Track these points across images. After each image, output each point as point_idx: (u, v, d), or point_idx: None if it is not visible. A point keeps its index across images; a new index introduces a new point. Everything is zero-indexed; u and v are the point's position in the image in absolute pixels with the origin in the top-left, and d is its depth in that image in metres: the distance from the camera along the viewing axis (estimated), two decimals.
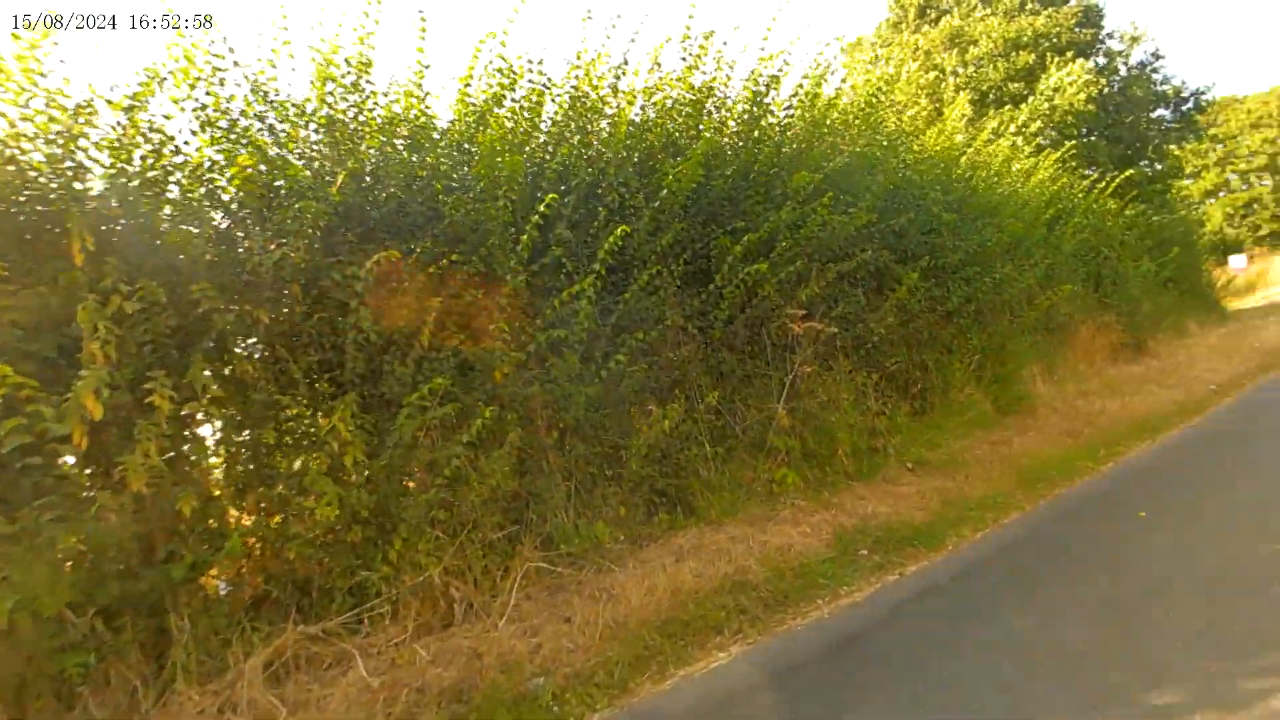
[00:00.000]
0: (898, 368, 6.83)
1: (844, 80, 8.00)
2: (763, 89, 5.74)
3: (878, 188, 6.14)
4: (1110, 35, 14.34)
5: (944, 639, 3.30)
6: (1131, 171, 11.94)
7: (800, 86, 6.08)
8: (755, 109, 5.77)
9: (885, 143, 7.22)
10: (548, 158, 4.87)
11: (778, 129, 5.97)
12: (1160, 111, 15.43)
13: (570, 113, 5.12)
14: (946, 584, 3.95)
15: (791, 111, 6.08)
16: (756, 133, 5.67)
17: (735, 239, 5.13)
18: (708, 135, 5.28)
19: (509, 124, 4.84)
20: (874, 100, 7.07)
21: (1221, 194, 38.78)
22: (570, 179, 4.69)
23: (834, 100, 6.79)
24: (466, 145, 4.73)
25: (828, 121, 6.44)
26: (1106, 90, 13.36)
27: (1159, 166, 16.87)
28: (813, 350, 5.64)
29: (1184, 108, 15.22)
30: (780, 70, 5.78)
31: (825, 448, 5.59)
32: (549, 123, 5.13)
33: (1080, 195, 11.33)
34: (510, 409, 4.15)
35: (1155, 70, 15.09)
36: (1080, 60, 12.42)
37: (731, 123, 5.82)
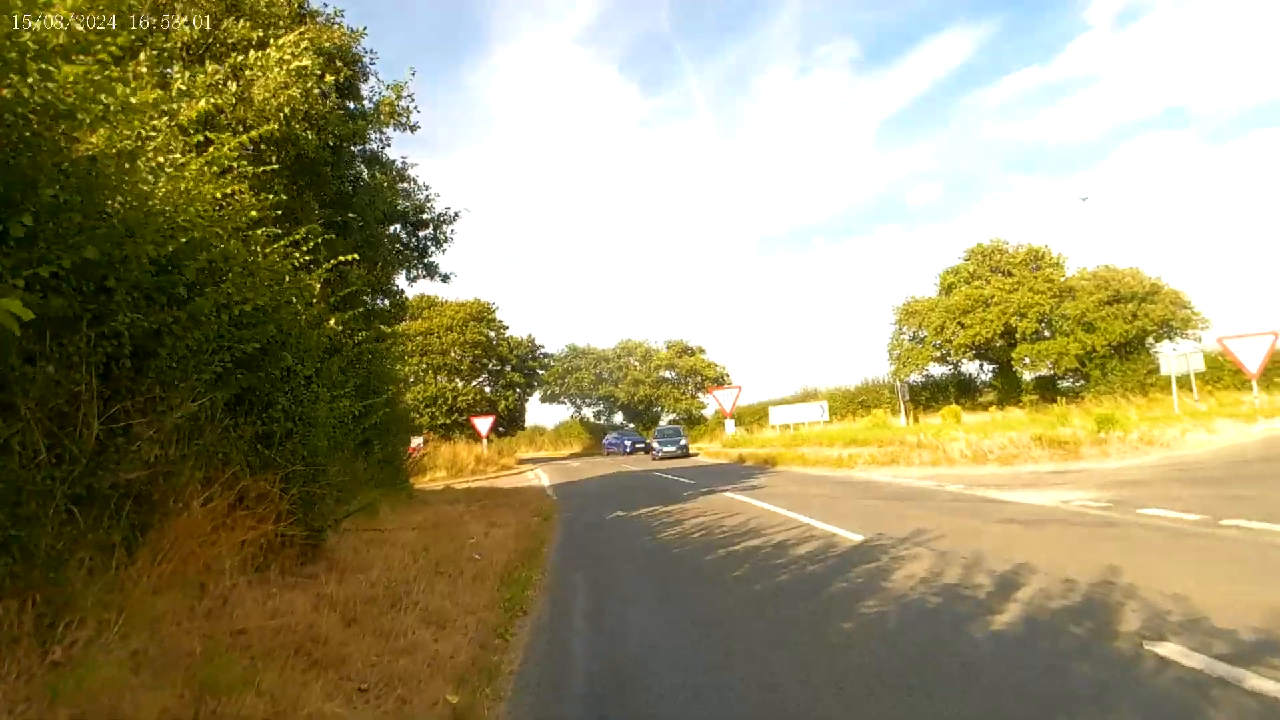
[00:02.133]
0: None
1: None
2: None
3: None
4: (371, 102, 10.31)
5: None
6: (354, 257, 7.38)
7: None
8: None
9: None
10: None
11: None
12: (396, 228, 12.14)
13: None
14: None
15: None
16: None
17: None
18: None
19: None
20: None
21: (411, 380, 41.61)
22: None
23: None
24: None
25: None
26: (345, 150, 9.01)
27: (386, 302, 13.65)
28: None
29: (422, 233, 12.33)
30: None
31: None
32: None
33: (261, 244, 6.02)
34: None
35: (404, 177, 11.90)
36: (303, 34, 7.65)
37: None
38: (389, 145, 10.15)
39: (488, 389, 44.82)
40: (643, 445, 35.96)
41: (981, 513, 8.28)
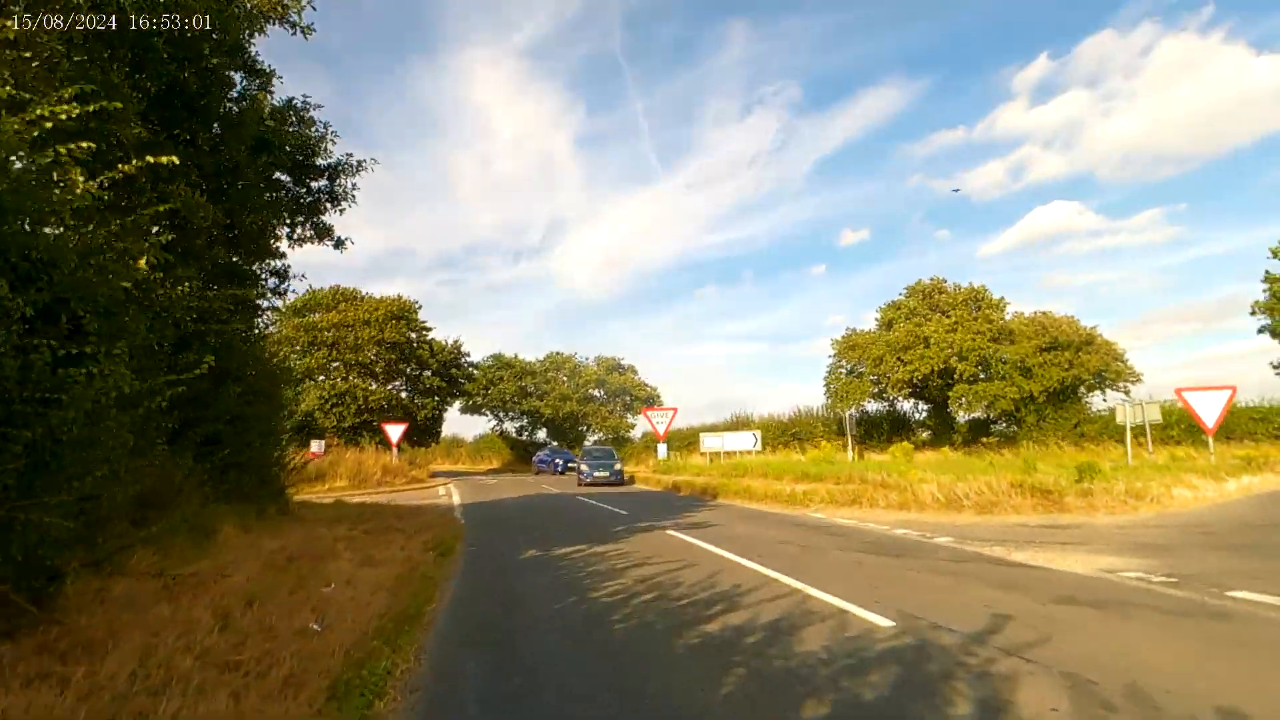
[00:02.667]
0: None
1: None
2: None
3: None
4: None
5: None
6: (173, 160, 4.87)
7: None
8: None
9: None
10: None
11: None
12: (283, 176, 9.54)
13: None
14: None
15: None
16: None
17: None
18: None
19: None
20: None
21: (322, 378, 37.87)
22: None
23: None
24: None
25: None
26: (193, 29, 6.48)
27: (267, 273, 10.86)
28: None
29: (314, 184, 9.74)
30: None
31: None
32: None
33: None
34: None
35: (303, 118, 9.33)
36: None
37: None
38: (260, 32, 7.46)
39: (404, 394, 41.23)
40: (575, 465, 32.84)
41: (1017, 583, 6.31)
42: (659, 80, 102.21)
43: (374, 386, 38.07)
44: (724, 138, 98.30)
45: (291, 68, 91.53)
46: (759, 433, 35.46)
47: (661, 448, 29.37)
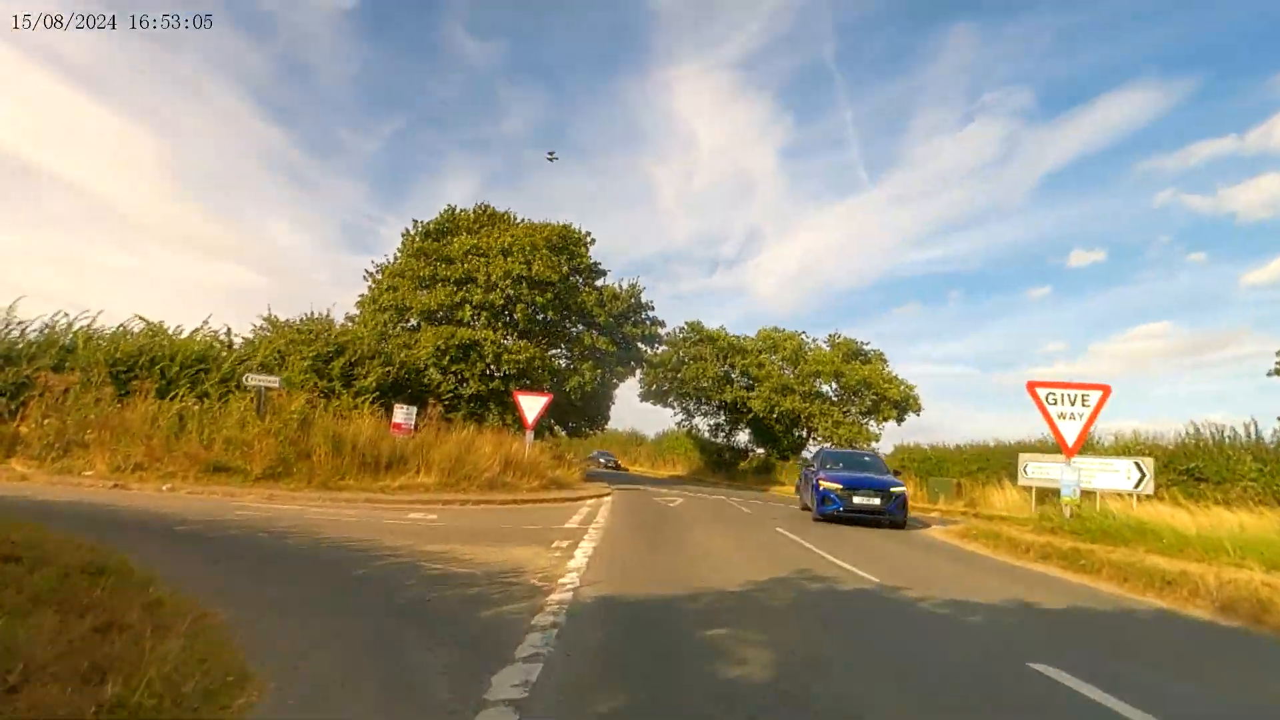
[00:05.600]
0: None
1: None
2: None
3: None
4: None
5: None
6: None
7: None
8: None
9: None
10: None
11: None
12: None
13: None
14: None
15: None
16: None
17: None
18: None
19: None
20: None
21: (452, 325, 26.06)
22: None
23: None
24: None
25: None
26: None
27: None
28: None
29: None
30: None
31: None
32: None
33: None
34: None
35: None
36: None
37: None
38: None
39: (563, 362, 28.39)
40: (882, 496, 14.38)
41: None
42: (872, 88, 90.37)
43: (508, 342, 25.41)
44: (939, 148, 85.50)
45: (512, 79, 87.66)
46: (1150, 462, 18.34)
47: (1066, 480, 13.58)
